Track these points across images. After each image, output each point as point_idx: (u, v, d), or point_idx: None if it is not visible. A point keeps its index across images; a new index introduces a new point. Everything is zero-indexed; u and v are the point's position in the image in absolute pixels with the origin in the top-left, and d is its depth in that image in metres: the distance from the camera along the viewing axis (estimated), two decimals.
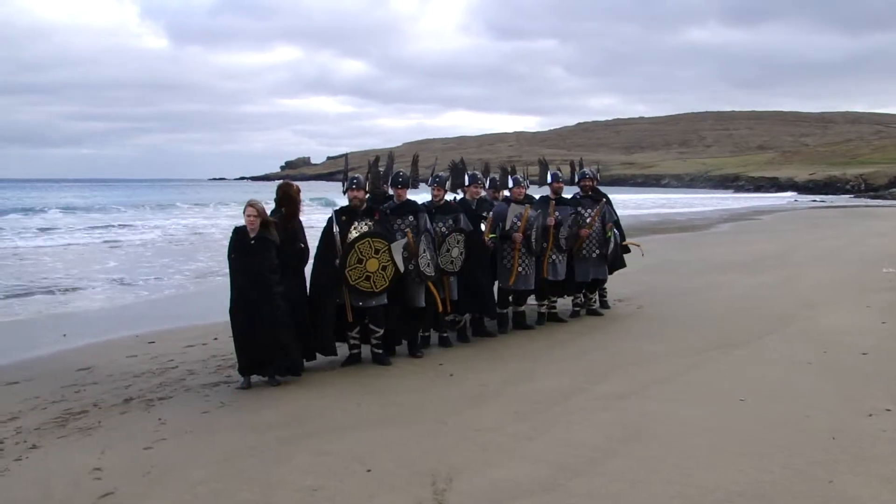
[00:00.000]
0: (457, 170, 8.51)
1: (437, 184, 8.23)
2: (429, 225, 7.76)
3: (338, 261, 7.17)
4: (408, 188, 7.97)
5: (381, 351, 7.51)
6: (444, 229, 7.99)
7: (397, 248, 7.34)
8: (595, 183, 10.08)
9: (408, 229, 7.65)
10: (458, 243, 7.95)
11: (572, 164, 10.44)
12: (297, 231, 7.11)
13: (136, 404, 6.32)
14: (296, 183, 7.50)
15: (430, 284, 7.76)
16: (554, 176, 9.47)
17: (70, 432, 5.64)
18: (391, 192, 8.02)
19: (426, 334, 8.15)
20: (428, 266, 7.63)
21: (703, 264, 15.30)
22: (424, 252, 7.59)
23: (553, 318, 9.46)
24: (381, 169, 8.38)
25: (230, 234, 6.84)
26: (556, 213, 9.04)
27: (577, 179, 10.04)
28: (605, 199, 9.71)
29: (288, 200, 7.17)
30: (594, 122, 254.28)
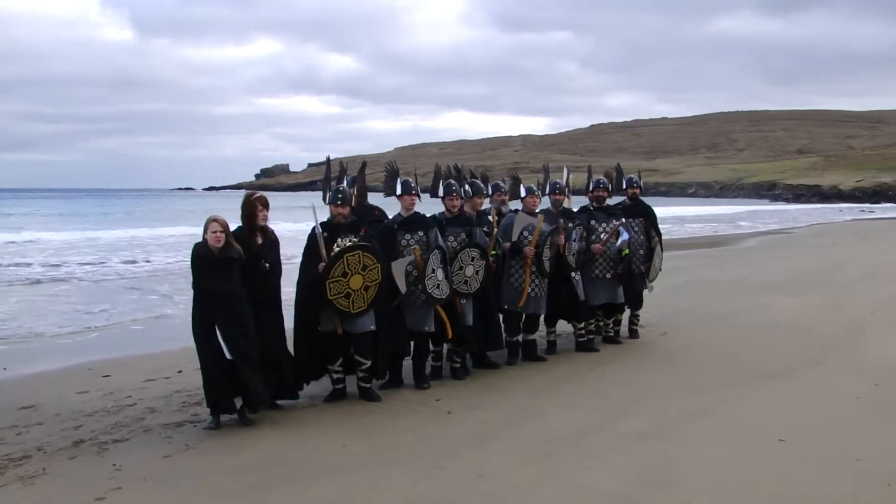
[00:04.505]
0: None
1: (455, 193, 8.14)
2: (440, 241, 7.74)
3: (321, 270, 7.04)
4: (418, 196, 7.91)
5: (368, 385, 7.46)
6: (455, 244, 7.98)
7: (400, 266, 7.30)
8: (640, 191, 10.30)
9: (415, 246, 7.64)
10: (472, 260, 7.88)
11: (618, 169, 10.59)
12: (264, 249, 6.98)
13: (88, 448, 6.28)
14: (261, 193, 7.36)
15: (440, 308, 7.74)
16: (553, 186, 9.47)
17: (9, 481, 5.59)
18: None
19: (438, 364, 8.19)
20: (437, 287, 7.60)
21: (736, 284, 15.32)
22: (434, 272, 7.57)
23: (583, 346, 9.45)
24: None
25: (190, 253, 6.82)
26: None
27: (624, 186, 10.24)
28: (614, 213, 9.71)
29: (244, 211, 7.03)
30: (611, 123, 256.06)
